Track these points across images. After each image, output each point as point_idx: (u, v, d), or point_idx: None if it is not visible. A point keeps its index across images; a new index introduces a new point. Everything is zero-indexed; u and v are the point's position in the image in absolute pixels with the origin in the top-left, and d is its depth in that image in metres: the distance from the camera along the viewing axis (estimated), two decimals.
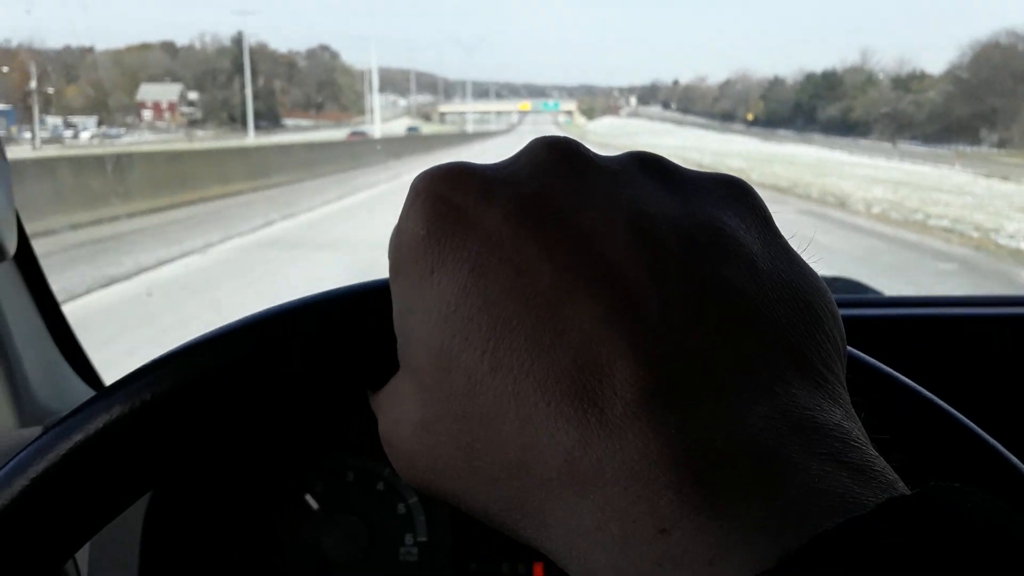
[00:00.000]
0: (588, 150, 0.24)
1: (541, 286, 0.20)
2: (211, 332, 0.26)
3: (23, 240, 0.73)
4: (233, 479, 0.70)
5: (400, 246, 0.23)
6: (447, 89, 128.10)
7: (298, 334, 0.26)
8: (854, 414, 0.20)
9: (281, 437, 0.27)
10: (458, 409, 0.21)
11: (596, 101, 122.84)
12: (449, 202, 0.22)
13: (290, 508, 0.66)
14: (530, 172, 0.23)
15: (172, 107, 46.49)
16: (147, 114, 44.09)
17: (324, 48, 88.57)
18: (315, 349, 0.26)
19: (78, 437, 0.23)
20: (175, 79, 50.58)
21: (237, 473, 0.66)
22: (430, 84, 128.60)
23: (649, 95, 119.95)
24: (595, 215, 0.22)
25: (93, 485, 0.24)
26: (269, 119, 59.35)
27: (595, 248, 0.21)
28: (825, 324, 0.22)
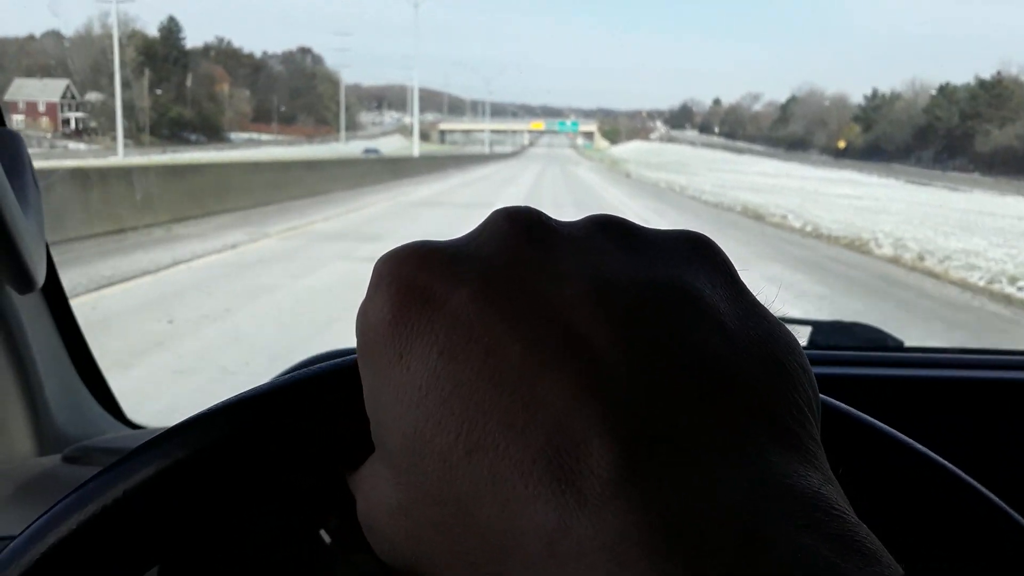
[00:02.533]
0: (549, 218, 0.26)
1: (511, 365, 0.22)
2: (204, 410, 0.29)
3: (51, 270, 0.83)
4: (244, 510, 0.77)
5: (367, 331, 0.25)
6: (453, 107, 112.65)
7: (268, 419, 0.28)
8: (831, 475, 0.22)
9: (273, 503, 0.31)
10: (435, 493, 0.22)
11: (619, 123, 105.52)
12: (414, 284, 0.24)
13: (304, 544, 0.70)
14: (494, 247, 0.24)
15: (52, 110, 36.26)
16: (19, 119, 35.60)
17: (304, 51, 73.00)
18: (286, 433, 0.28)
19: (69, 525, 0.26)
20: (66, 73, 35.01)
21: (249, 511, 0.76)
22: (435, 102, 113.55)
23: (682, 118, 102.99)
24: (560, 286, 0.23)
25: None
26: (208, 131, 51.39)
27: (562, 322, 0.22)
28: (797, 380, 0.23)
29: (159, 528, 0.28)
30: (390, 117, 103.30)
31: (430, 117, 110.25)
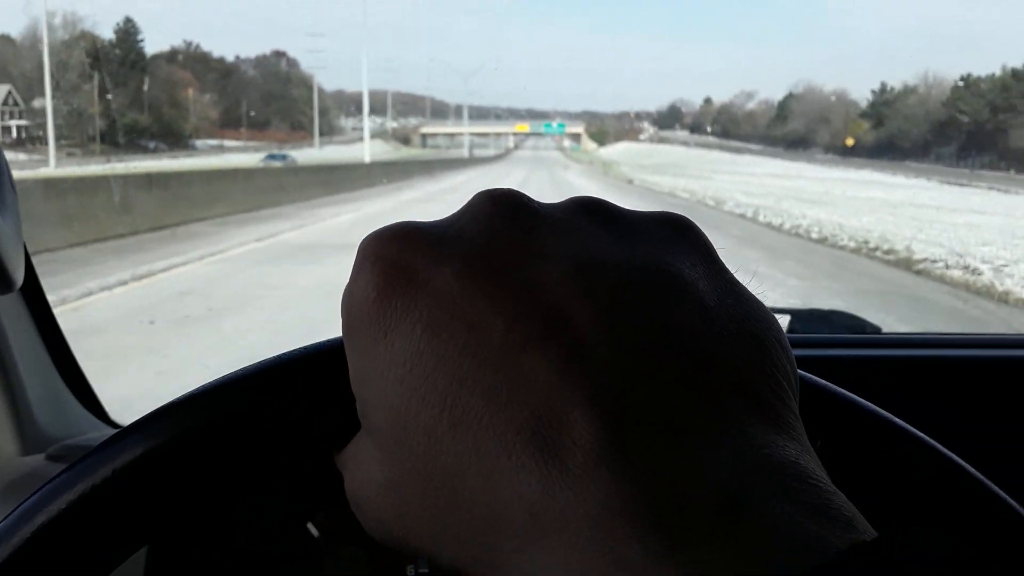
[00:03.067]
0: (532, 200, 0.27)
1: (494, 341, 0.22)
2: (175, 399, 0.29)
3: (29, 271, 0.87)
4: (233, 506, 0.83)
5: (351, 309, 0.26)
6: (436, 111, 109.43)
7: (255, 400, 0.29)
8: (809, 445, 0.23)
9: (264, 484, 0.31)
10: (420, 468, 0.23)
11: (606, 124, 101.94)
12: (397, 263, 0.25)
13: (291, 536, 0.69)
14: (476, 228, 0.25)
15: None
16: None
17: (279, 55, 69.58)
18: (273, 414, 0.29)
19: (49, 513, 0.27)
20: (8, 78, 31.24)
21: (237, 501, 0.80)
22: (418, 106, 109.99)
23: (670, 118, 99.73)
24: (543, 266, 0.24)
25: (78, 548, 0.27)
26: (169, 138, 46.84)
27: (544, 299, 0.23)
28: (775, 355, 0.24)
29: (140, 512, 0.28)
30: (373, 123, 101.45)
31: (413, 121, 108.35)
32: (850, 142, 63.00)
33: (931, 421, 0.37)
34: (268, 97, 65.94)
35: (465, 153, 68.02)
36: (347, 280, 0.25)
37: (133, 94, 46.59)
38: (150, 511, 0.29)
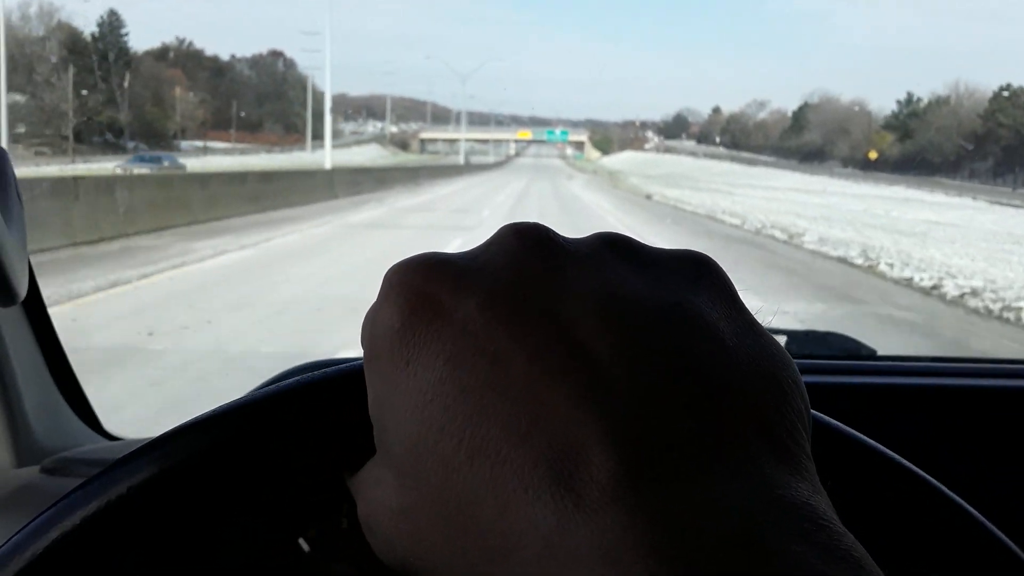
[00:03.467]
0: (557, 235, 0.28)
1: (515, 374, 0.23)
2: (190, 420, 0.30)
3: (32, 283, 0.88)
4: (225, 520, 0.84)
5: (375, 337, 0.27)
6: (438, 116, 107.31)
7: (273, 422, 0.30)
8: (820, 486, 0.23)
9: (270, 502, 0.32)
10: (436, 496, 0.24)
11: (610, 132, 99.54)
12: (423, 294, 0.26)
13: (282, 551, 0.72)
14: (501, 261, 0.26)
15: None
16: None
17: (276, 55, 66.76)
18: (290, 436, 0.30)
19: (54, 534, 0.27)
20: None
21: (230, 515, 0.83)
22: (420, 111, 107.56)
23: (676, 128, 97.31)
24: (566, 301, 0.25)
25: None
26: (151, 138, 45.01)
27: (567, 334, 0.24)
28: (791, 396, 0.25)
29: (142, 538, 0.29)
30: (373, 127, 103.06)
31: (414, 126, 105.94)
32: (873, 155, 60.20)
33: (924, 450, 0.37)
34: (262, 98, 63.58)
35: (461, 160, 63.99)
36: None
37: (113, 91, 43.99)
38: (164, 531, 0.29)
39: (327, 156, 30.97)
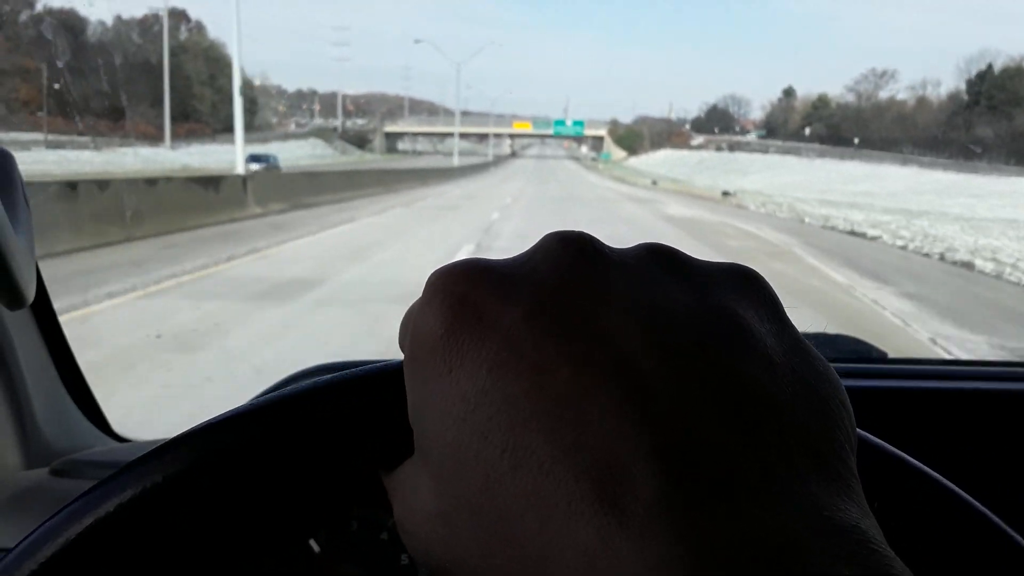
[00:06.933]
0: (602, 244, 0.27)
1: (560, 384, 0.23)
2: (227, 412, 0.31)
3: (40, 287, 0.90)
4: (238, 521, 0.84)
5: (417, 342, 0.27)
6: (434, 114, 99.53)
7: (312, 417, 0.30)
8: (867, 508, 0.23)
9: (294, 501, 0.32)
10: (475, 504, 0.24)
11: (645, 127, 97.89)
12: (467, 300, 0.26)
13: (292, 551, 0.67)
14: (546, 269, 0.26)
15: None
16: None
17: (175, 13, 51.37)
18: (329, 432, 0.31)
19: (75, 529, 0.28)
20: None
21: (243, 517, 0.87)
22: (397, 104, 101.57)
23: (710, 122, 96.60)
24: (612, 312, 0.25)
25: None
26: None
27: (613, 346, 0.24)
28: (839, 416, 0.25)
29: (156, 540, 0.29)
30: (327, 122, 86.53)
31: (393, 123, 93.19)
32: None
33: (936, 454, 0.37)
34: (139, 71, 39.95)
35: (426, 163, 44.12)
36: None
37: None
38: (176, 533, 0.30)
39: (238, 155, 15.85)
